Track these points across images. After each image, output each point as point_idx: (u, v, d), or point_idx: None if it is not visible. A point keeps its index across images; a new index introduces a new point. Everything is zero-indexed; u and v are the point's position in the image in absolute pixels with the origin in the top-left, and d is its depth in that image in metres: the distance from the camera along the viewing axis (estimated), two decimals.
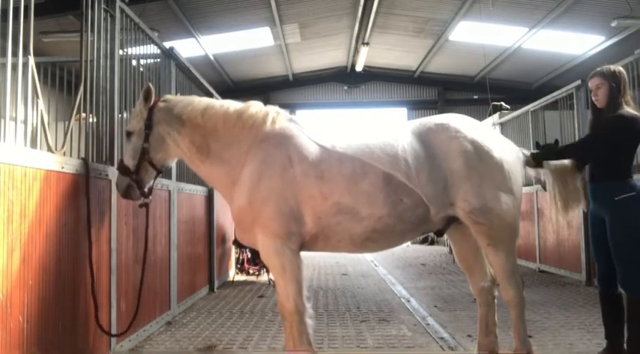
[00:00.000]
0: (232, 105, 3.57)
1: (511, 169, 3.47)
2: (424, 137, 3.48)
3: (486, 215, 3.36)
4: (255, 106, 3.54)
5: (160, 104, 3.57)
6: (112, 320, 3.96)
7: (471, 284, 3.84)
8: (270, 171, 3.31)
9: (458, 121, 3.57)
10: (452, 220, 3.53)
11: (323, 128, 3.69)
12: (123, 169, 3.56)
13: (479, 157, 3.40)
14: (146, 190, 3.63)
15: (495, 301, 3.77)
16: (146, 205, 3.74)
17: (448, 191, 3.38)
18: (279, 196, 3.27)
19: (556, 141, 3.92)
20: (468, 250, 3.79)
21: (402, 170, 3.33)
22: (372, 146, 3.41)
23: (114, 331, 3.96)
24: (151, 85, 3.57)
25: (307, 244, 3.41)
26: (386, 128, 3.64)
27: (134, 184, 3.55)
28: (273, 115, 3.48)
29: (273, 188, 3.27)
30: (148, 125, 3.51)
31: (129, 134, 3.59)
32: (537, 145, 3.94)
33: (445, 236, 3.84)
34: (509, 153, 3.56)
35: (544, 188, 3.90)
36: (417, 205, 3.35)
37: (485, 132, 3.60)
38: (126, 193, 3.58)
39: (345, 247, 3.48)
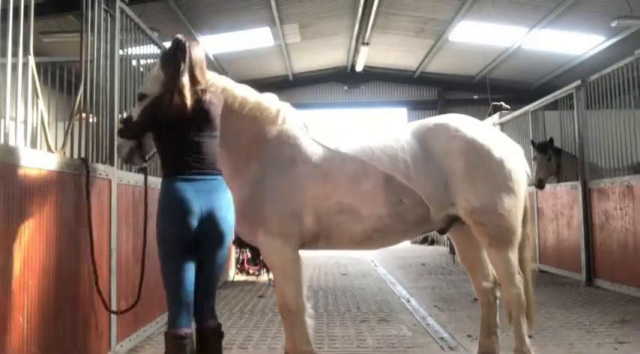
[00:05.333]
0: (253, 92, 3.49)
1: (512, 169, 3.47)
2: (424, 137, 3.49)
3: (488, 215, 3.36)
4: (269, 101, 3.49)
5: None
6: (112, 320, 3.95)
7: (473, 284, 3.85)
8: (273, 170, 3.32)
9: (458, 121, 3.57)
10: (455, 219, 3.54)
11: (329, 129, 3.65)
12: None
13: (479, 156, 3.41)
14: (147, 155, 3.38)
15: (497, 301, 3.77)
16: (144, 170, 3.53)
17: (449, 191, 3.39)
18: (281, 195, 3.28)
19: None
20: (471, 250, 3.79)
21: (402, 171, 3.35)
22: (373, 147, 3.42)
23: (114, 331, 3.96)
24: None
25: (309, 243, 3.41)
26: (387, 129, 3.66)
27: (138, 148, 3.28)
28: (285, 115, 3.46)
29: (276, 188, 3.28)
30: None
31: (142, 97, 3.29)
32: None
33: (445, 236, 3.85)
34: (511, 152, 3.56)
35: None
36: (417, 205, 3.36)
37: (486, 131, 3.61)
38: (129, 157, 3.29)
39: (346, 245, 3.53)
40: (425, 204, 3.36)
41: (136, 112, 3.29)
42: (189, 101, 2.95)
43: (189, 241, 2.94)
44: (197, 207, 2.90)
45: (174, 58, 3.03)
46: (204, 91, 3.06)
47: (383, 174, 3.35)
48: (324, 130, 3.60)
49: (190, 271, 2.96)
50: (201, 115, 3.01)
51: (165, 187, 2.98)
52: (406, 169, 3.36)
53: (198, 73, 3.05)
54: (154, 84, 3.25)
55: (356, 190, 3.33)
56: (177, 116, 2.93)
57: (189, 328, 2.90)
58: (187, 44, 3.06)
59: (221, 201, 3.00)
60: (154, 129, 3.07)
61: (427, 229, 3.63)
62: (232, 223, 3.09)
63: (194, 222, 2.90)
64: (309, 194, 3.31)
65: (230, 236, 3.09)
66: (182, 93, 2.95)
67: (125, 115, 3.49)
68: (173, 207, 2.91)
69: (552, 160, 8.11)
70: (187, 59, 3.02)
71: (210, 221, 2.95)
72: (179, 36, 3.14)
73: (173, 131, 2.98)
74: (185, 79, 2.98)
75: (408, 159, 3.38)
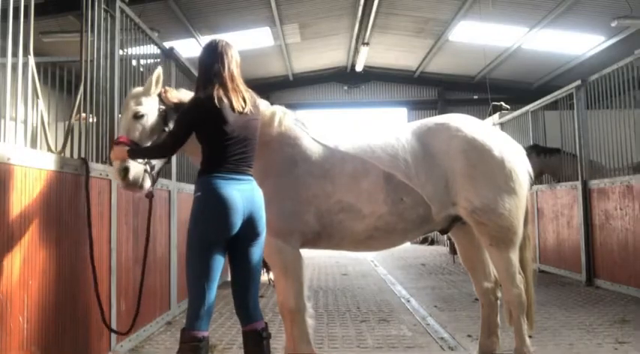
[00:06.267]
0: None
1: (513, 168, 3.47)
2: (425, 137, 3.49)
3: (489, 215, 3.37)
4: (262, 106, 3.51)
5: (168, 95, 3.30)
6: (112, 320, 3.95)
7: (474, 284, 3.85)
8: (274, 171, 3.32)
9: (459, 121, 3.58)
10: (456, 220, 3.54)
11: (327, 128, 3.65)
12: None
13: (480, 156, 3.41)
14: (155, 176, 3.28)
15: (498, 302, 3.77)
16: (151, 195, 3.35)
17: (449, 190, 3.40)
18: (282, 195, 3.28)
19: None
20: (472, 250, 3.80)
21: (402, 170, 3.35)
22: (373, 146, 3.43)
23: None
24: (161, 69, 3.34)
25: (310, 242, 3.42)
26: (389, 129, 3.66)
27: (149, 171, 3.18)
28: (280, 116, 3.46)
29: (277, 188, 3.28)
30: (164, 109, 3.25)
31: (140, 116, 3.19)
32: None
33: (445, 236, 3.86)
34: (512, 152, 3.56)
35: None
36: (417, 204, 3.36)
37: (487, 131, 3.60)
38: (140, 181, 3.15)
39: (347, 245, 3.51)
40: (426, 203, 3.37)
41: (134, 128, 3.16)
42: (247, 97, 2.96)
43: (226, 241, 2.88)
44: (241, 207, 2.84)
45: (216, 58, 2.97)
46: (248, 90, 3.06)
47: (383, 172, 3.36)
48: (322, 128, 3.60)
49: (219, 272, 2.89)
50: (254, 113, 3.00)
51: (205, 185, 2.85)
52: (406, 168, 3.36)
53: (239, 72, 3.04)
54: (151, 102, 3.20)
55: (356, 189, 3.34)
56: (233, 112, 2.87)
57: (207, 332, 2.87)
58: (226, 44, 3.04)
59: (260, 201, 2.96)
60: (201, 128, 2.92)
61: (429, 229, 3.63)
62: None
63: (239, 222, 2.84)
64: (309, 193, 3.31)
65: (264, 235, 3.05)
66: (240, 89, 2.95)
67: (120, 136, 3.20)
68: (219, 206, 2.79)
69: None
70: (231, 57, 3.00)
71: (251, 221, 2.90)
72: (215, 38, 3.12)
73: (225, 128, 2.85)
74: (237, 74, 2.98)
75: (408, 158, 3.39)
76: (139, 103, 3.22)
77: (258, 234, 2.97)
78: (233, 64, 2.99)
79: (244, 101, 2.94)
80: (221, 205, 2.80)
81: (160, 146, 3.09)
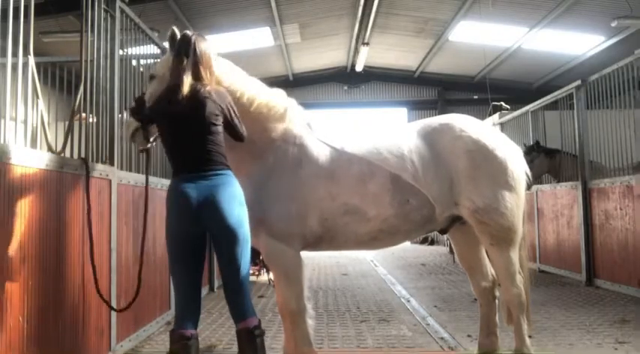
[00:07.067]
0: (264, 89, 3.41)
1: (515, 169, 3.48)
2: (429, 137, 3.49)
3: (490, 215, 3.37)
4: (277, 98, 3.42)
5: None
6: (112, 320, 3.95)
7: (472, 284, 3.85)
8: (279, 171, 3.28)
9: (462, 121, 3.58)
10: (456, 219, 3.55)
11: (334, 129, 3.62)
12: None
13: (483, 156, 3.42)
14: (151, 138, 3.27)
15: (496, 301, 3.77)
16: (147, 151, 3.33)
17: (453, 190, 3.40)
18: (286, 196, 3.24)
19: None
20: (470, 250, 3.80)
21: (409, 171, 3.34)
22: (379, 147, 3.41)
23: (114, 331, 3.96)
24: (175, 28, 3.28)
25: (312, 244, 3.39)
26: (393, 129, 3.66)
27: (143, 129, 3.18)
28: (291, 114, 3.42)
29: (280, 189, 3.25)
30: None
31: (152, 77, 3.30)
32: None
33: (445, 236, 3.86)
34: (513, 152, 3.57)
35: None
36: (422, 205, 3.36)
37: (490, 132, 3.63)
38: (132, 136, 3.25)
39: (350, 246, 3.54)
40: (430, 204, 3.36)
41: (148, 92, 3.23)
42: (185, 97, 2.87)
43: (192, 239, 2.89)
44: (195, 203, 2.81)
45: (179, 53, 2.99)
46: (204, 85, 2.96)
47: (390, 174, 3.33)
48: (328, 129, 3.57)
49: (196, 271, 2.92)
50: (199, 111, 2.90)
51: (169, 186, 2.99)
52: (413, 169, 3.35)
53: (202, 68, 2.98)
54: (163, 67, 3.19)
55: (362, 191, 3.31)
56: (175, 112, 2.90)
57: (195, 329, 2.87)
58: (193, 39, 3.00)
59: (222, 195, 2.85)
60: (158, 124, 3.05)
61: (430, 229, 3.64)
62: (241, 218, 2.92)
63: (192, 219, 2.83)
64: (314, 195, 3.27)
65: (243, 231, 2.93)
66: (180, 89, 2.88)
67: (141, 93, 3.39)
68: (173, 205, 2.90)
69: (536, 162, 8.20)
70: (191, 54, 2.96)
71: (212, 216, 2.84)
72: (187, 31, 3.09)
73: (173, 128, 2.96)
74: (186, 75, 2.92)
75: (414, 159, 3.38)
76: (156, 66, 3.32)
77: (228, 228, 2.85)
78: (190, 59, 2.96)
79: (180, 98, 2.86)
80: (173, 204, 2.90)
81: (135, 109, 3.19)
